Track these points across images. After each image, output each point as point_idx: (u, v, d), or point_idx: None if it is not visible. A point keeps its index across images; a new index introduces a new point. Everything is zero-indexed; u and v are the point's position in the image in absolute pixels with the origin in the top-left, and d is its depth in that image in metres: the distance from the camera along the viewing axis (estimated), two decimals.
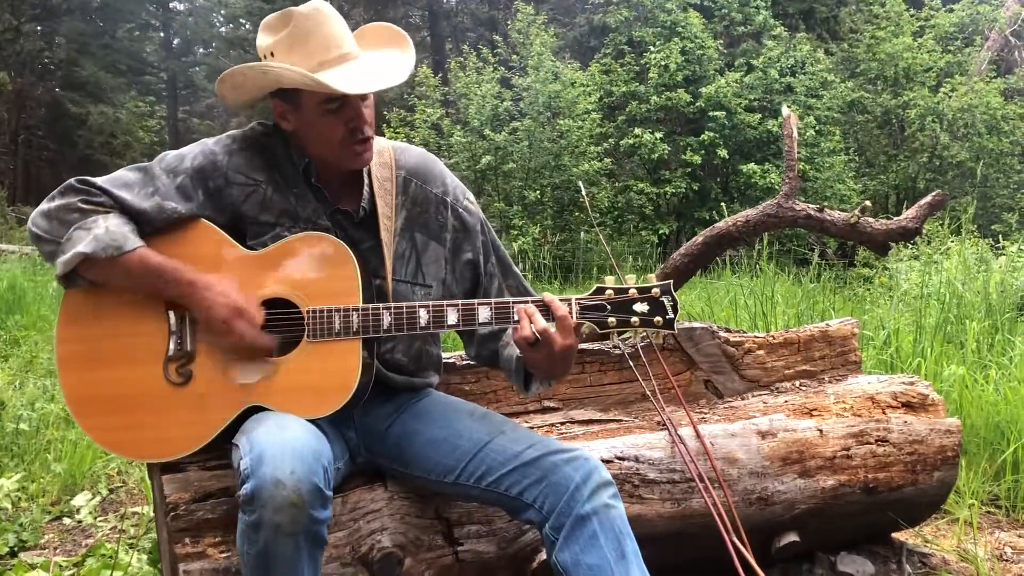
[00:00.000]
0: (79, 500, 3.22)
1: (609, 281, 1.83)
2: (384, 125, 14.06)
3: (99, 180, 1.76)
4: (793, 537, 2.37)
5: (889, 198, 14.33)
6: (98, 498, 3.28)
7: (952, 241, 6.51)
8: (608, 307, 1.80)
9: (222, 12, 26.09)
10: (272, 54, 1.77)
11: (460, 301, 1.82)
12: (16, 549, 2.77)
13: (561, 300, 1.79)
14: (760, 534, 2.32)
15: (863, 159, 14.93)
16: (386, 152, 1.96)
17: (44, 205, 1.74)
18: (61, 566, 2.61)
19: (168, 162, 1.82)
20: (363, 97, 1.79)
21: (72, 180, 1.76)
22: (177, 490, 1.81)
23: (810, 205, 2.92)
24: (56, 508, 3.18)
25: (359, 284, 1.78)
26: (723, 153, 13.52)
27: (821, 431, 2.44)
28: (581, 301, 1.80)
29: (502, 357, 2.01)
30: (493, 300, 1.81)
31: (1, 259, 10.59)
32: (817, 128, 13.61)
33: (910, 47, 14.27)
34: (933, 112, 13.65)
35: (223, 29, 26.77)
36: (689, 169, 13.76)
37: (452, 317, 1.78)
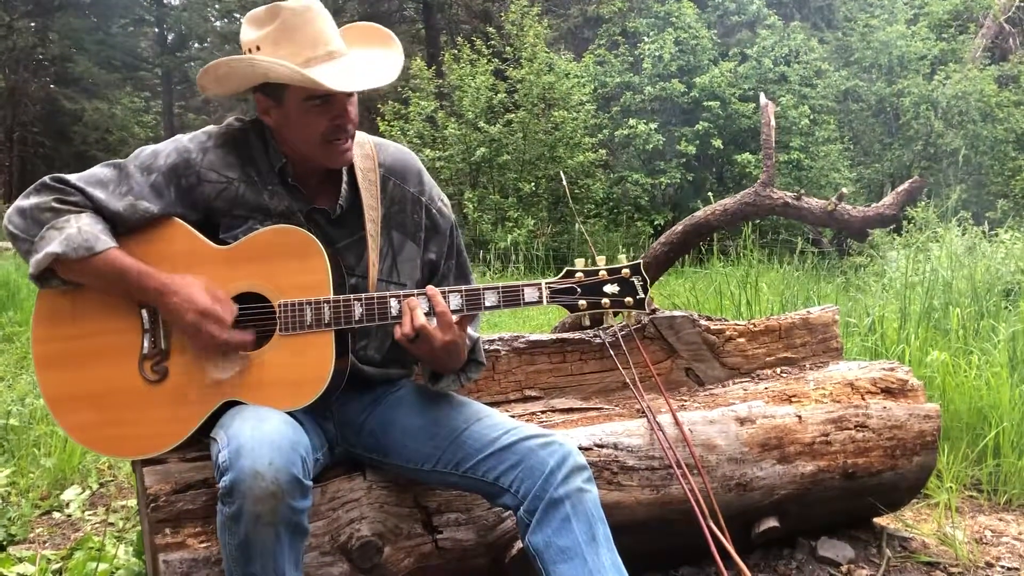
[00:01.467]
0: (69, 494, 3.23)
1: (579, 264, 1.82)
2: (378, 118, 14.06)
3: (73, 178, 1.75)
4: (773, 523, 2.39)
5: (884, 186, 14.35)
6: (88, 492, 3.30)
7: (940, 227, 6.52)
8: (578, 290, 1.80)
9: (216, 7, 25.96)
10: (258, 48, 1.75)
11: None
12: (5, 543, 2.79)
13: (530, 285, 1.80)
14: (740, 520, 2.34)
15: (858, 148, 14.95)
16: (367, 144, 1.95)
17: (19, 202, 1.73)
18: (49, 559, 2.62)
19: (143, 159, 1.81)
20: (348, 94, 1.78)
21: (46, 178, 1.75)
22: (158, 481, 1.83)
23: (787, 193, 2.93)
24: (46, 502, 3.19)
25: (329, 276, 1.78)
26: (717, 143, 13.53)
27: (800, 417, 2.46)
28: (551, 285, 1.80)
29: None
30: (464, 288, 1.81)
31: None
32: (812, 117, 13.63)
33: (904, 35, 14.26)
34: (927, 100, 13.65)
35: (218, 24, 26.66)
36: (684, 159, 13.78)
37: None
